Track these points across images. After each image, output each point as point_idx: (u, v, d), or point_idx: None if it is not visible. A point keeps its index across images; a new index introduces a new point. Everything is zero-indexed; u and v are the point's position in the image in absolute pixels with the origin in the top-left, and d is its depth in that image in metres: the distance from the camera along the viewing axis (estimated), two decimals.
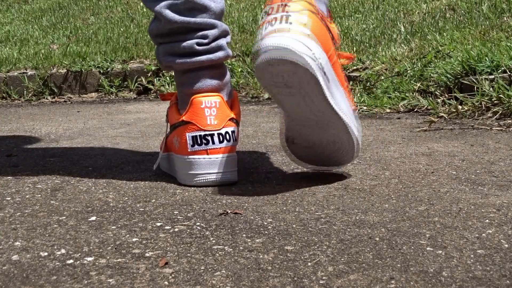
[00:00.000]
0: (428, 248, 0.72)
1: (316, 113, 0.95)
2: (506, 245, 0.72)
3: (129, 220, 0.85)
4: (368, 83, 2.12)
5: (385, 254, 0.70)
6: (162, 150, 1.11)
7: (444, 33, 2.34)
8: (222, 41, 1.05)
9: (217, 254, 0.71)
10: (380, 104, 1.92)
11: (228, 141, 1.02)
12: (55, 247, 0.75)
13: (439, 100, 1.82)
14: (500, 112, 1.61)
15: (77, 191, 1.01)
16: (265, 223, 0.82)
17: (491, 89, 1.68)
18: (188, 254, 0.72)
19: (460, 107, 1.70)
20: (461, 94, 1.75)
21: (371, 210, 0.87)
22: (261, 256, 0.71)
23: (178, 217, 0.86)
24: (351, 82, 2.18)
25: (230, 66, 2.55)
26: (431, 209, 0.87)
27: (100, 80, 2.76)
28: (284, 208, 0.89)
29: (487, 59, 1.80)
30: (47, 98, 2.73)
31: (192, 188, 1.01)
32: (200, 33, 1.03)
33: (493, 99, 1.66)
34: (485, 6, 2.58)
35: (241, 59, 2.67)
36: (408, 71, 2.05)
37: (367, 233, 0.77)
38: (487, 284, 0.62)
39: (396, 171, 1.10)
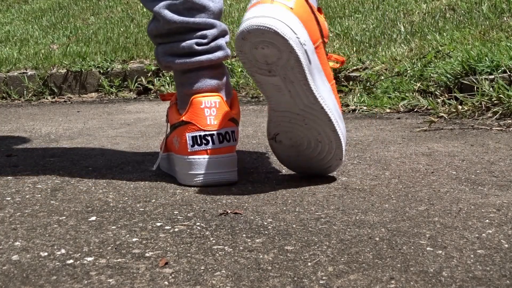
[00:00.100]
0: (428, 248, 0.72)
1: (301, 106, 0.95)
2: (506, 245, 0.72)
3: (129, 220, 0.85)
4: (368, 83, 2.12)
5: (385, 254, 0.70)
6: (162, 150, 1.11)
7: (444, 33, 2.34)
8: (221, 41, 1.05)
9: (217, 254, 0.71)
10: (380, 104, 1.92)
11: (228, 141, 1.02)
12: (55, 247, 0.75)
13: (439, 100, 1.82)
14: (500, 112, 1.61)
15: (77, 191, 1.01)
16: (265, 223, 0.82)
17: (491, 89, 1.68)
18: (188, 254, 0.72)
19: (460, 107, 1.70)
20: (461, 94, 1.75)
21: (371, 210, 0.87)
22: (261, 256, 0.71)
23: (178, 217, 0.86)
24: (351, 82, 2.18)
25: (230, 66, 2.55)
26: (431, 209, 0.87)
27: (100, 80, 2.76)
28: (284, 208, 0.89)
29: (487, 59, 1.80)
30: (47, 98, 2.73)
31: (192, 188, 1.01)
32: (199, 33, 1.03)
33: (493, 99, 1.66)
34: (485, 6, 2.58)
35: None
36: (408, 71, 2.05)
37: (367, 233, 0.77)
38: (487, 284, 0.62)
39: (396, 171, 1.10)
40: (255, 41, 0.90)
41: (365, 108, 1.92)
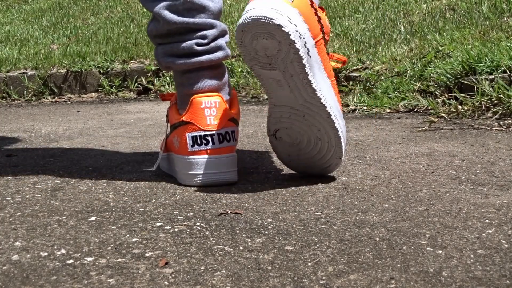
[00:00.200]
0: (428, 248, 0.72)
1: (301, 101, 0.95)
2: (506, 245, 0.72)
3: (129, 220, 0.85)
4: (368, 83, 2.12)
5: (385, 254, 0.70)
6: (162, 150, 1.11)
7: (444, 33, 2.34)
8: (221, 41, 1.05)
9: (217, 254, 0.71)
10: (380, 104, 1.92)
11: (228, 141, 1.02)
12: (55, 247, 0.75)
13: (439, 100, 1.82)
14: (500, 112, 1.61)
15: (77, 191, 1.01)
16: (265, 223, 0.82)
17: (491, 89, 1.68)
18: (188, 254, 0.72)
19: (460, 107, 1.70)
20: (461, 94, 1.75)
21: (371, 210, 0.87)
22: (261, 256, 0.71)
23: (178, 217, 0.86)
24: (351, 82, 2.18)
25: (230, 66, 2.55)
26: (431, 209, 0.87)
27: (100, 80, 2.76)
28: (284, 208, 0.89)
29: (487, 59, 1.80)
30: (47, 98, 2.73)
31: (192, 188, 1.01)
32: (199, 34, 1.03)
33: (493, 99, 1.66)
34: (485, 6, 2.58)
35: (240, 59, 2.67)
36: (408, 71, 2.05)
37: (367, 233, 0.77)
38: (487, 284, 0.62)
39: (396, 171, 1.10)
40: (255, 32, 0.90)
41: (365, 108, 1.92)
